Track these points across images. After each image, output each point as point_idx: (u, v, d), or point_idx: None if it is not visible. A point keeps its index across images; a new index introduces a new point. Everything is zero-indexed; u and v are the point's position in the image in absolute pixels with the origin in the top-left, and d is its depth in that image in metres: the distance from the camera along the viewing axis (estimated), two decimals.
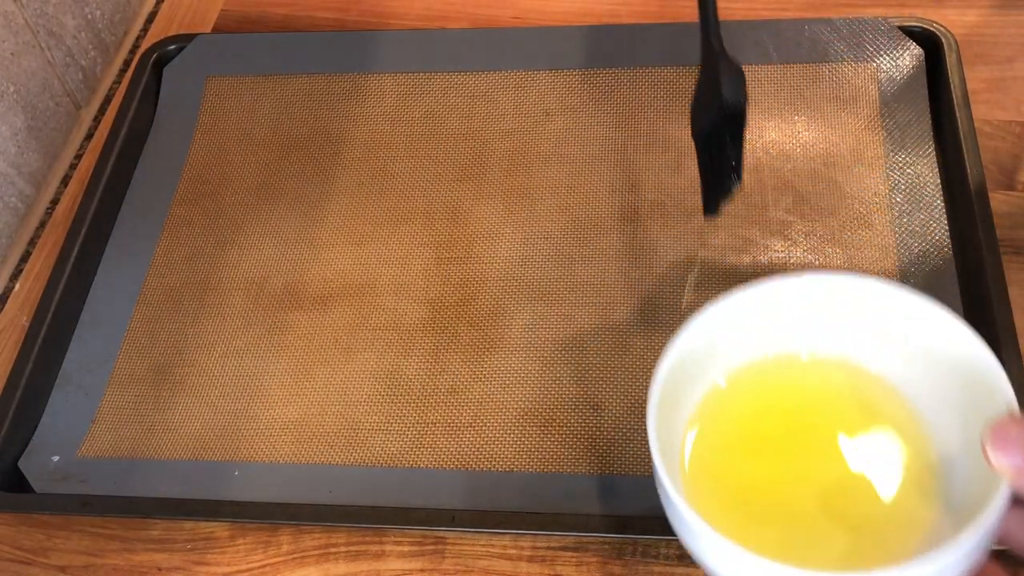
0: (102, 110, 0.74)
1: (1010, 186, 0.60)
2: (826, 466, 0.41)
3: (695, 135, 0.51)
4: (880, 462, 0.41)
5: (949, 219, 0.58)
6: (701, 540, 0.37)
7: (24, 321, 0.62)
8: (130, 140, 0.68)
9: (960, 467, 0.39)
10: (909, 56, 0.64)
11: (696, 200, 0.60)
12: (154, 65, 0.71)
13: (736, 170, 0.50)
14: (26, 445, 0.57)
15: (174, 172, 0.67)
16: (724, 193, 0.51)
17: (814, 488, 0.41)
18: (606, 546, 0.51)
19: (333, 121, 0.68)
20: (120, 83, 0.75)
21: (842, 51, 0.64)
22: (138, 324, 0.60)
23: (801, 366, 0.45)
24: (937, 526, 0.38)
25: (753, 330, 0.44)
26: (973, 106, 0.60)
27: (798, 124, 0.62)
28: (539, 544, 0.51)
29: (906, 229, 0.58)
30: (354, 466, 0.54)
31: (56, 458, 0.56)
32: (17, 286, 0.65)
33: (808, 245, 0.58)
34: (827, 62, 0.64)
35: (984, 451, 0.35)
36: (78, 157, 0.72)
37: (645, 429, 0.53)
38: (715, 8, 0.50)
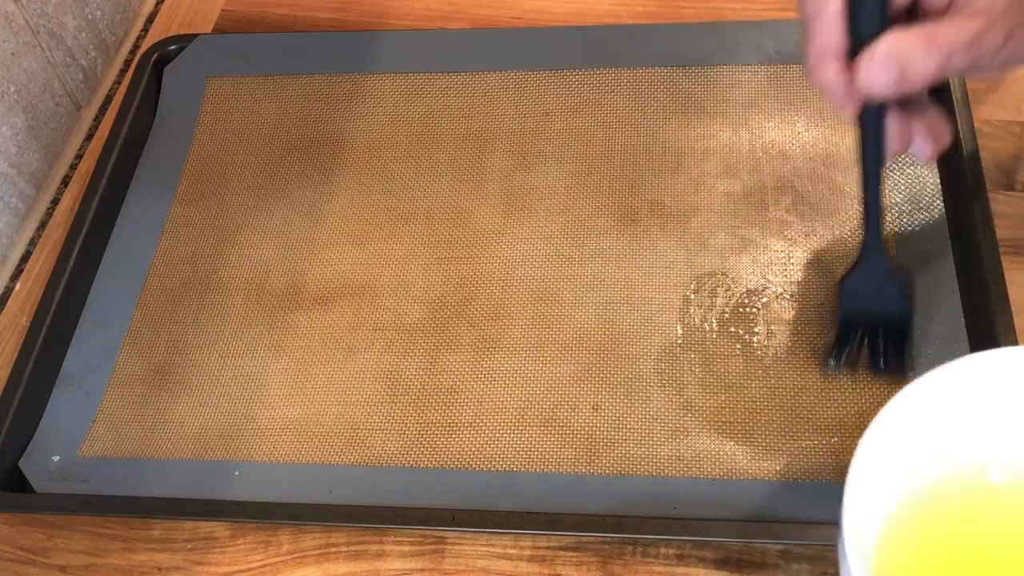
0: (102, 110, 0.74)
1: (1010, 186, 0.60)
2: None
3: (843, 318, 0.53)
4: None
5: (949, 219, 0.57)
6: None
7: (24, 321, 0.62)
8: (130, 140, 0.68)
9: None
10: None
11: (696, 199, 0.60)
12: (154, 65, 0.71)
13: (902, 367, 0.51)
14: (26, 445, 0.57)
15: (174, 172, 0.67)
16: (850, 366, 0.52)
17: None
18: (606, 546, 0.51)
19: (333, 121, 0.68)
20: (120, 83, 0.75)
21: None
22: (138, 324, 0.61)
23: (990, 489, 0.40)
24: None
25: (936, 432, 0.40)
26: (973, 106, 0.60)
27: (798, 124, 0.62)
28: (539, 544, 0.51)
29: (906, 229, 0.58)
30: (354, 466, 0.54)
31: (56, 458, 0.56)
32: (17, 286, 0.65)
33: (808, 245, 0.58)
34: None
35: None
36: (78, 157, 0.72)
37: (645, 430, 0.53)
38: (878, 200, 0.49)
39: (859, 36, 0.44)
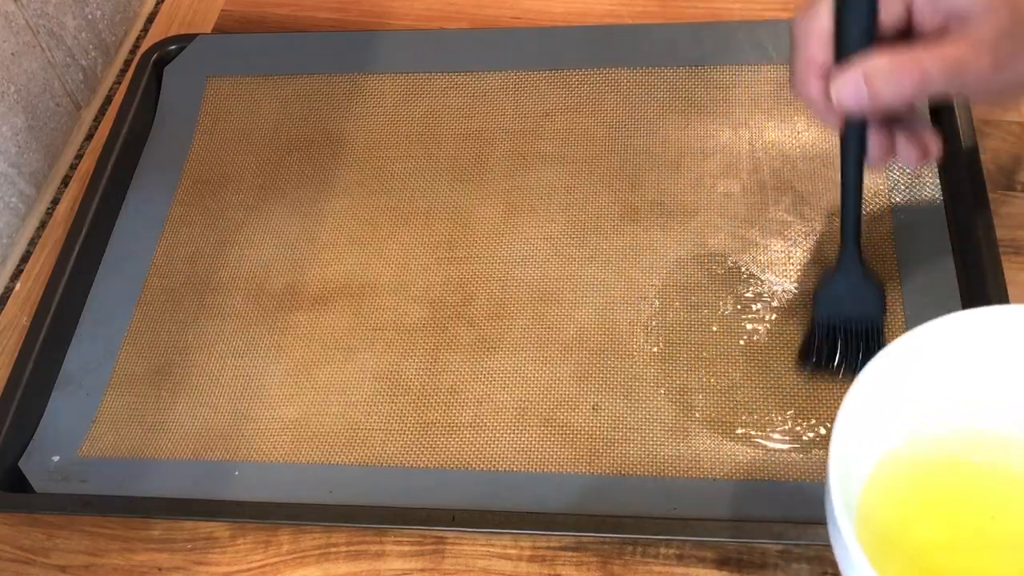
0: (102, 110, 0.74)
1: (1010, 186, 0.60)
2: (1011, 556, 0.39)
3: (818, 320, 0.53)
4: None
5: (949, 219, 0.57)
6: None
7: (24, 321, 0.62)
8: (130, 140, 0.68)
9: None
10: None
11: (696, 199, 0.60)
12: (154, 65, 0.71)
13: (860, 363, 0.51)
14: (27, 445, 0.57)
15: (174, 172, 0.67)
16: (827, 367, 0.53)
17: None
18: (606, 546, 0.51)
19: (333, 121, 0.68)
20: (120, 83, 0.75)
21: None
22: (138, 324, 0.61)
23: (991, 438, 0.41)
24: None
25: (933, 385, 0.41)
26: (973, 106, 0.60)
27: (798, 124, 0.62)
28: (539, 544, 0.51)
29: (906, 229, 0.58)
30: (354, 466, 0.54)
31: (56, 458, 0.56)
32: (17, 286, 0.65)
33: (808, 245, 0.58)
34: None
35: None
36: (78, 157, 0.72)
37: (645, 430, 0.53)
38: (858, 209, 0.51)
39: (844, 54, 0.45)
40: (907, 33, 0.46)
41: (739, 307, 0.56)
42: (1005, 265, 0.54)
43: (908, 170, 0.60)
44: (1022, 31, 0.43)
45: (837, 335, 0.52)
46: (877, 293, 0.53)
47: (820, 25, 0.46)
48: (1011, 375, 0.42)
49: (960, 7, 0.44)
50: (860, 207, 0.51)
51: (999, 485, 0.41)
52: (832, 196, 0.59)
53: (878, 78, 0.44)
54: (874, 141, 0.48)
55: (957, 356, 0.42)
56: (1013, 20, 0.43)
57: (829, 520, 0.37)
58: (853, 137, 0.48)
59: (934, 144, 0.50)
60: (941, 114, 0.61)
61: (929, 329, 0.41)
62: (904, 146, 0.49)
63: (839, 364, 0.52)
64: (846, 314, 0.53)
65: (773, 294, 0.56)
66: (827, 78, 0.46)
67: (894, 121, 0.49)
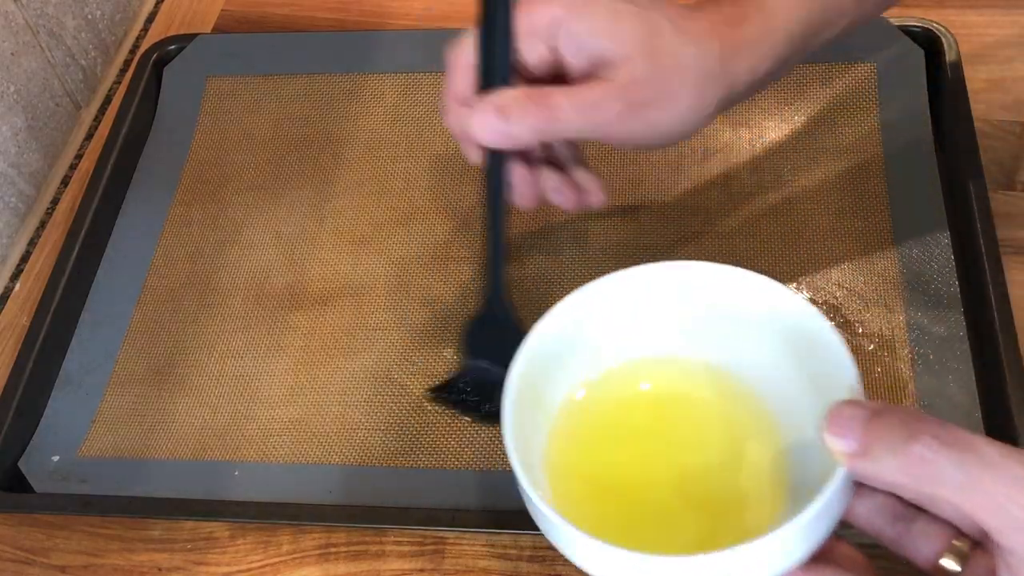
0: (102, 110, 0.74)
1: (1010, 186, 0.60)
2: (681, 459, 0.43)
3: (466, 357, 0.52)
4: (734, 454, 0.42)
5: (949, 219, 0.57)
6: (561, 532, 0.37)
7: (24, 321, 0.62)
8: (130, 140, 0.68)
9: (811, 453, 0.40)
10: (909, 56, 0.63)
11: (696, 199, 0.60)
12: (154, 65, 0.71)
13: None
14: (26, 445, 0.57)
15: (174, 172, 0.67)
16: (456, 407, 0.52)
17: (671, 479, 0.42)
18: None
19: (333, 121, 0.68)
20: (120, 83, 0.75)
21: (842, 51, 0.64)
22: (138, 324, 0.60)
23: (658, 368, 0.45)
24: (787, 511, 0.40)
25: (608, 330, 0.45)
26: (973, 106, 0.60)
27: (798, 124, 0.62)
28: (539, 544, 0.51)
29: (906, 229, 0.58)
30: (354, 466, 0.54)
31: (56, 458, 0.56)
32: (17, 286, 0.65)
33: (808, 244, 0.58)
34: (827, 62, 0.64)
35: (821, 435, 0.36)
36: (78, 157, 0.72)
37: None
38: (499, 248, 0.49)
39: (484, 88, 0.45)
40: (560, 79, 0.46)
41: None
42: (1005, 265, 0.54)
43: (908, 170, 0.59)
44: (658, 81, 0.44)
45: (478, 382, 0.51)
46: (517, 341, 0.48)
47: (464, 58, 0.46)
48: (656, 313, 0.45)
49: (601, 52, 0.44)
50: (501, 248, 0.49)
51: (662, 405, 0.45)
52: (832, 196, 0.59)
53: (510, 112, 0.44)
54: (518, 180, 0.48)
55: (609, 310, 0.45)
56: (650, 69, 0.43)
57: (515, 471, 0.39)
58: (492, 173, 0.47)
59: (593, 189, 0.50)
60: (940, 114, 0.61)
61: (583, 293, 0.44)
62: (555, 189, 0.49)
63: (468, 408, 0.52)
64: (489, 359, 0.50)
65: None
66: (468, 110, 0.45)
67: (550, 162, 0.49)
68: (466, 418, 0.53)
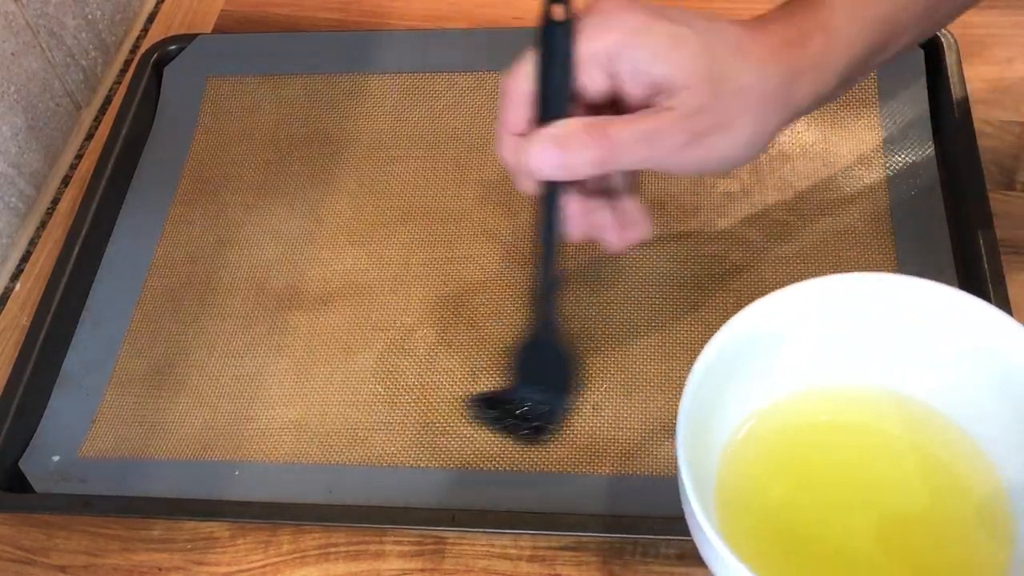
0: (102, 110, 0.74)
1: (1010, 186, 0.60)
2: (880, 502, 0.38)
3: (514, 381, 0.50)
4: (939, 497, 0.38)
5: (949, 218, 0.58)
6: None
7: (24, 321, 0.62)
8: (130, 140, 0.68)
9: None
10: (909, 56, 0.63)
11: (696, 199, 0.60)
12: (154, 65, 0.71)
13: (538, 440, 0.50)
14: (27, 445, 0.57)
15: (174, 172, 0.67)
16: (493, 424, 0.51)
17: (868, 525, 0.38)
18: (606, 546, 0.51)
19: (333, 121, 0.68)
20: (120, 83, 0.75)
21: None
22: (138, 324, 0.61)
23: (844, 396, 0.42)
24: (1010, 565, 0.36)
25: (788, 350, 0.41)
26: (973, 106, 0.60)
27: (798, 124, 0.62)
28: (539, 544, 0.51)
29: (906, 229, 0.58)
30: (354, 466, 0.54)
31: (57, 458, 0.56)
32: (17, 286, 0.65)
33: (808, 245, 0.58)
34: None
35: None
36: (78, 157, 0.72)
37: (645, 430, 0.53)
38: (553, 279, 0.48)
39: (542, 120, 0.44)
40: (617, 106, 0.45)
41: (739, 306, 0.56)
42: (1005, 265, 0.54)
43: (908, 170, 0.60)
44: (721, 109, 0.42)
45: (522, 404, 0.49)
46: (569, 369, 0.49)
47: (521, 88, 0.45)
48: (848, 337, 0.42)
49: (662, 81, 0.42)
50: (556, 276, 0.48)
51: (846, 438, 0.42)
52: (832, 196, 0.59)
53: (569, 144, 0.43)
54: (572, 215, 0.47)
55: (795, 325, 0.41)
56: (712, 97, 0.42)
57: (680, 491, 0.37)
58: (548, 205, 0.46)
59: (641, 224, 0.48)
60: (940, 114, 0.61)
61: (768, 302, 0.41)
62: (606, 222, 0.48)
63: (506, 428, 0.50)
64: (534, 387, 0.49)
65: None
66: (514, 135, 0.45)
67: (601, 194, 0.48)
68: (504, 436, 0.51)
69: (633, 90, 0.43)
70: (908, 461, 0.39)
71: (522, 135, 0.45)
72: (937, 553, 0.37)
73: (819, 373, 0.42)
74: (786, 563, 0.38)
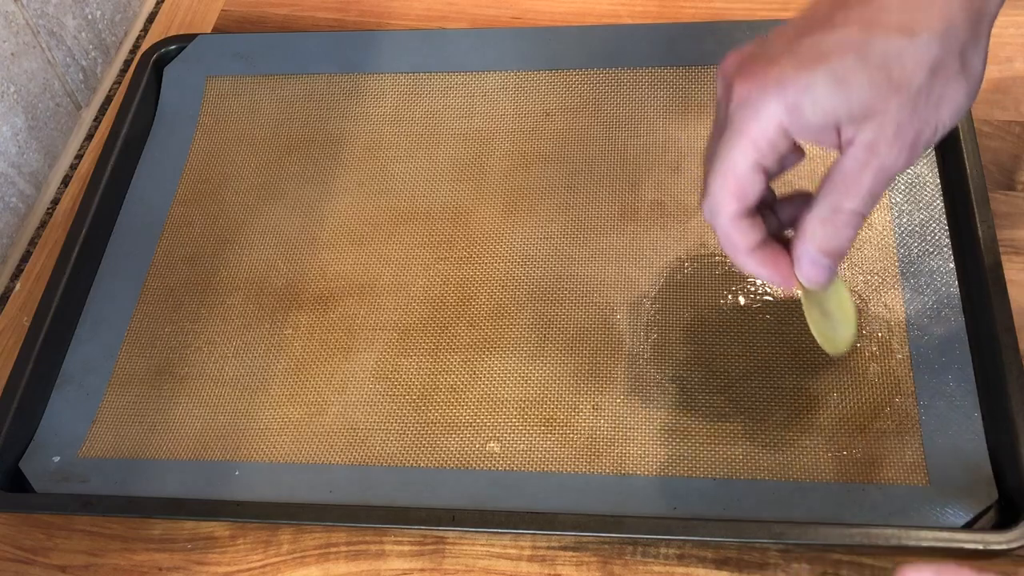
0: (102, 110, 0.74)
1: (1010, 186, 0.60)
2: None
3: None
4: None
5: (949, 219, 0.58)
6: None
7: (24, 321, 0.62)
8: (130, 140, 0.68)
9: None
10: None
11: (696, 199, 0.60)
12: (154, 65, 0.71)
13: None
14: (27, 445, 0.57)
15: (174, 172, 0.67)
16: None
17: None
18: (606, 546, 0.51)
19: (333, 121, 0.68)
20: (120, 83, 0.75)
21: None
22: (138, 324, 0.61)
23: None
24: None
25: None
26: (973, 106, 0.60)
27: None
28: (539, 544, 0.51)
29: (906, 229, 0.58)
30: (354, 466, 0.54)
31: (57, 458, 0.56)
32: (17, 286, 0.65)
33: None
34: None
35: None
36: (78, 157, 0.72)
37: (645, 430, 0.53)
38: None
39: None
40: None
41: (740, 307, 0.56)
42: (1005, 265, 0.54)
43: (908, 170, 0.59)
44: (921, 107, 0.40)
45: None
46: None
47: (742, 206, 0.43)
48: None
49: (843, 119, 0.40)
50: None
51: None
52: None
53: (833, 247, 0.42)
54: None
55: None
56: (903, 102, 0.40)
57: None
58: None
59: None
60: None
61: None
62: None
63: None
64: None
65: (772, 293, 0.56)
66: (765, 254, 0.44)
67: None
68: None
69: (826, 144, 0.42)
70: None
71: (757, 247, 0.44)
72: None
73: None
74: None
